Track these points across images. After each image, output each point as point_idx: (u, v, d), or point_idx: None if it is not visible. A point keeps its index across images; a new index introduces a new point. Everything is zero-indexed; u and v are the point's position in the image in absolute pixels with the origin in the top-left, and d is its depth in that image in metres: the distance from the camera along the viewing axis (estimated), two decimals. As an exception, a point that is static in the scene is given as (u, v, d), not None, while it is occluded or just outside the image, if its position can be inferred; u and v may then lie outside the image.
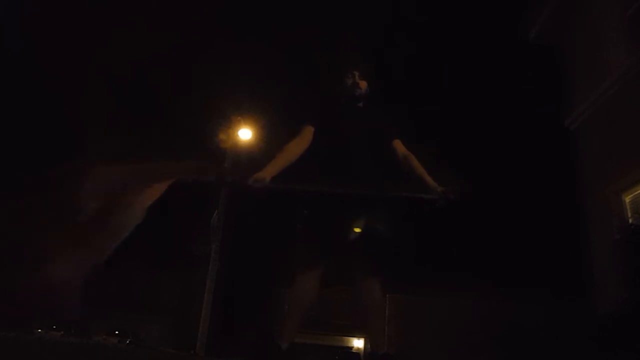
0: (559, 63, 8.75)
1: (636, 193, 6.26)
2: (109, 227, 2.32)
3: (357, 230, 2.54)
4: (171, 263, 22.23)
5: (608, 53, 7.13)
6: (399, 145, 2.84)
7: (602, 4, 7.53)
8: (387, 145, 2.83)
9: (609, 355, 4.54)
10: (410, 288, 18.63)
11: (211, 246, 12.27)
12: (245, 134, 13.47)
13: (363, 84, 2.89)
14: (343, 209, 2.57)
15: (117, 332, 22.02)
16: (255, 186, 2.49)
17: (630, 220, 5.72)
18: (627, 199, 6.41)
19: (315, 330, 19.63)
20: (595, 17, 7.62)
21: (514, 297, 17.39)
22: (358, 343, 23.38)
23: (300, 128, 2.78)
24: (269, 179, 2.53)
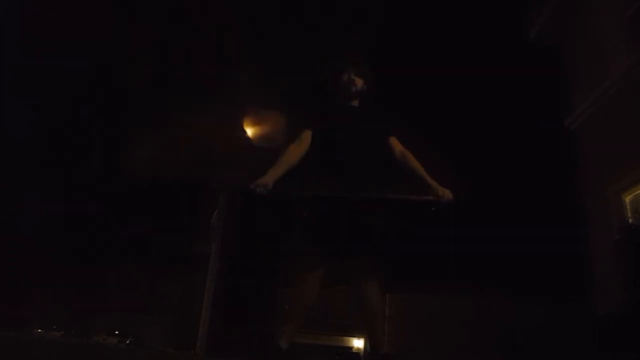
0: (559, 63, 8.75)
1: (636, 193, 6.26)
2: None
3: (357, 230, 2.54)
4: (171, 263, 22.23)
5: (608, 53, 7.13)
6: (395, 143, 2.81)
7: (602, 4, 7.54)
8: (384, 143, 2.81)
9: (609, 356, 4.54)
10: (410, 288, 18.60)
11: (211, 246, 12.27)
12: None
13: (359, 82, 2.88)
14: (343, 209, 2.56)
15: (117, 332, 22.03)
16: (257, 192, 2.50)
17: (630, 220, 5.72)
18: (627, 199, 6.41)
19: (315, 330, 19.62)
20: (595, 17, 7.62)
21: (514, 297, 17.37)
22: (358, 343, 23.36)
23: (299, 132, 2.79)
24: (271, 184, 2.54)
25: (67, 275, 24.22)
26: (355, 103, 2.91)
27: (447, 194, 2.57)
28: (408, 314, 19.12)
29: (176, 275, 22.88)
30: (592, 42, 7.62)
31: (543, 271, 20.27)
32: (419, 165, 2.73)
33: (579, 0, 8.01)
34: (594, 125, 7.39)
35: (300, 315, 2.64)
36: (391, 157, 2.78)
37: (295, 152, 2.72)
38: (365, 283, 2.62)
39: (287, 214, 2.75)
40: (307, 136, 2.77)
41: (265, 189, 2.51)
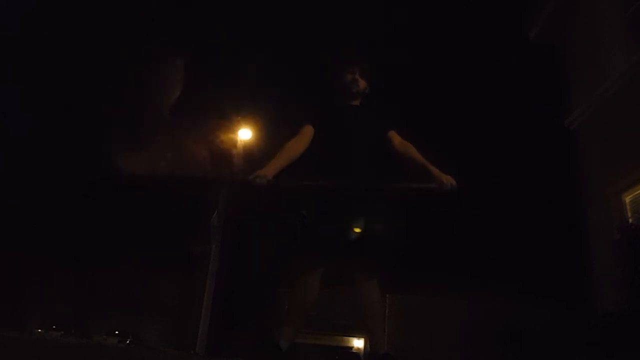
0: (558, 63, 8.75)
1: (636, 193, 6.26)
2: None
3: (357, 230, 2.53)
4: (171, 263, 22.23)
5: (608, 53, 7.13)
6: (394, 136, 2.79)
7: (602, 4, 7.54)
8: (383, 137, 2.79)
9: (609, 356, 4.54)
10: (410, 288, 18.60)
11: (211, 246, 12.28)
12: (245, 134, 13.44)
13: (362, 83, 2.87)
14: (343, 209, 2.56)
15: (117, 332, 22.02)
16: (257, 183, 2.48)
17: (630, 220, 5.72)
18: (627, 199, 6.41)
19: (315, 330, 19.61)
20: (595, 17, 7.62)
21: (514, 297, 17.37)
22: (358, 343, 23.35)
23: (300, 127, 2.78)
24: (271, 176, 2.52)
25: (67, 276, 24.22)
26: (356, 103, 2.91)
27: (449, 180, 2.53)
28: (408, 314, 19.12)
29: (175, 275, 22.91)
30: (592, 41, 7.62)
31: (543, 271, 20.29)
32: (420, 155, 2.68)
33: (578, 0, 8.01)
34: (593, 125, 7.38)
35: (301, 315, 2.64)
36: (391, 151, 2.76)
37: (295, 147, 2.70)
38: (365, 283, 2.62)
39: (287, 213, 2.73)
40: (307, 131, 2.75)
41: (264, 180, 2.49)
